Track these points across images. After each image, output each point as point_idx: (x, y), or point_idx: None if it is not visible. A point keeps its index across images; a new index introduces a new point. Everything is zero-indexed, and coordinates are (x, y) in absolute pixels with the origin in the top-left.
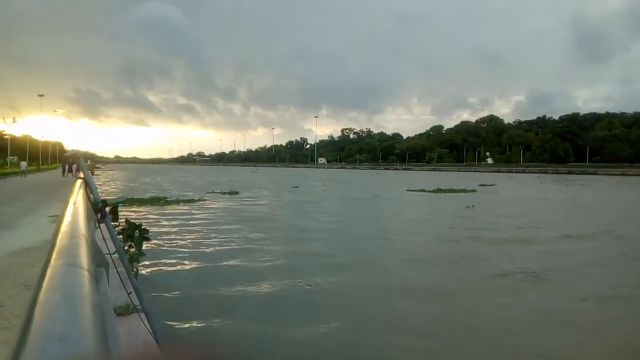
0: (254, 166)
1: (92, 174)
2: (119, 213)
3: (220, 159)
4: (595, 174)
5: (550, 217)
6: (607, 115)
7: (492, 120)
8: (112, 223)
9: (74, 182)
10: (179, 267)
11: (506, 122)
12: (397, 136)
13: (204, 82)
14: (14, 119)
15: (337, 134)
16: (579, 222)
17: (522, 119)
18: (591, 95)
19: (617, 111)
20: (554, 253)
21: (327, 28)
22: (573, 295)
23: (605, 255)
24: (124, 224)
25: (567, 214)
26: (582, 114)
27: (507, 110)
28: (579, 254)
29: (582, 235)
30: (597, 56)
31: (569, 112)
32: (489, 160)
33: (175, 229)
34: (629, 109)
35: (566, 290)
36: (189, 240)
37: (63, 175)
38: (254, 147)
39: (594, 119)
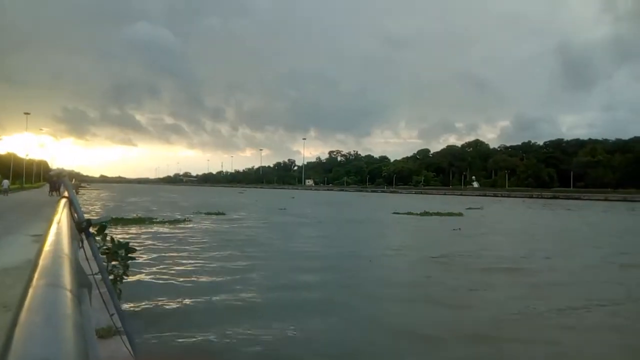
0: (242, 187)
1: (77, 193)
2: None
3: (207, 179)
4: (580, 199)
5: (542, 243)
6: (591, 141)
7: (477, 145)
8: (96, 243)
9: (58, 201)
10: (152, 299)
11: (492, 147)
12: (384, 159)
13: (192, 102)
14: None
15: (324, 156)
16: (569, 248)
17: (508, 144)
18: (576, 122)
19: (600, 137)
20: (552, 285)
21: (316, 51)
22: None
23: (608, 290)
24: (109, 244)
25: (557, 240)
26: (566, 139)
27: (492, 135)
28: (573, 286)
29: (573, 263)
30: (582, 83)
31: (554, 137)
32: (475, 184)
33: (156, 253)
34: (612, 135)
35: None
36: (168, 265)
37: (50, 194)
38: (241, 168)
39: (578, 145)
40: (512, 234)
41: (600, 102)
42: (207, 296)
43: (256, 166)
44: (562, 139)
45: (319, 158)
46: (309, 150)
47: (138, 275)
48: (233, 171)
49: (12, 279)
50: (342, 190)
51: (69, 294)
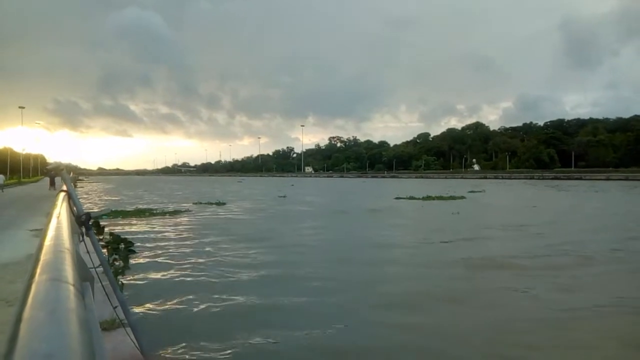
0: (240, 176)
1: (75, 186)
2: (103, 226)
3: (206, 169)
4: (581, 179)
5: (553, 227)
6: (592, 120)
7: (477, 127)
8: (96, 236)
9: (57, 195)
10: (149, 290)
11: (494, 128)
12: (384, 144)
13: (186, 90)
14: None
15: (324, 142)
16: (579, 232)
17: (509, 126)
18: (579, 101)
19: (603, 117)
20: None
21: (313, 34)
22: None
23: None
24: (108, 236)
25: (566, 222)
26: (567, 119)
27: (494, 117)
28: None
29: (587, 252)
30: (586, 61)
31: (558, 117)
32: (476, 167)
33: (156, 244)
34: (617, 114)
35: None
36: (169, 256)
37: (50, 189)
38: (240, 157)
39: (579, 124)
40: (519, 219)
41: (605, 81)
42: (206, 288)
43: (255, 154)
44: (563, 119)
45: (318, 145)
46: (308, 137)
47: (137, 268)
48: (231, 160)
49: (13, 274)
50: (342, 176)
51: (71, 288)
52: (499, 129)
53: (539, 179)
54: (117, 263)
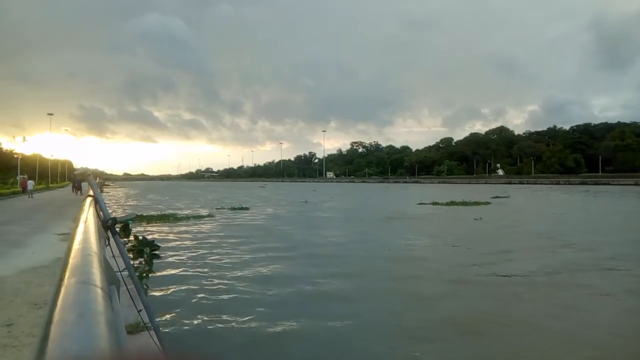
0: (263, 181)
1: (101, 191)
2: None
3: (229, 174)
4: (609, 184)
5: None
6: (619, 124)
7: (502, 131)
8: (122, 240)
9: (84, 200)
10: (177, 290)
11: (518, 133)
12: (406, 149)
13: (209, 96)
14: (23, 138)
15: (346, 147)
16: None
17: (533, 130)
18: (608, 103)
19: (632, 120)
20: None
21: (334, 37)
22: None
23: None
24: (133, 241)
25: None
26: (593, 124)
27: (520, 121)
28: None
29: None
30: (617, 61)
31: (586, 120)
32: (500, 172)
33: (179, 251)
34: None
35: None
36: (194, 262)
37: (75, 194)
38: (262, 162)
39: (606, 128)
40: (551, 228)
41: (636, 82)
42: (228, 294)
43: (277, 160)
44: (590, 123)
45: (339, 150)
46: (330, 142)
47: (161, 272)
48: (253, 165)
49: (40, 278)
50: (364, 181)
51: (99, 291)
52: (523, 133)
53: (565, 184)
54: (141, 267)
